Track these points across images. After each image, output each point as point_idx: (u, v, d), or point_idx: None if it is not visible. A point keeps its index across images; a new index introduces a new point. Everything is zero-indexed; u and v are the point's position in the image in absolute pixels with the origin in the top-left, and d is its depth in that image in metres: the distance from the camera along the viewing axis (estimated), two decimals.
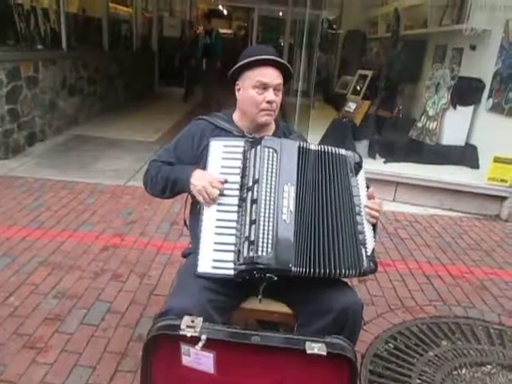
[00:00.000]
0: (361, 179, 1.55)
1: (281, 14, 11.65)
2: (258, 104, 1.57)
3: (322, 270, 1.37)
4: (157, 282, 2.55)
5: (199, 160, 1.59)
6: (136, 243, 2.99)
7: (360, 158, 1.57)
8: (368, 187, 1.59)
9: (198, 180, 1.46)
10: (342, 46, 8.18)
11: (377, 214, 1.52)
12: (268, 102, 1.56)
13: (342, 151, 1.54)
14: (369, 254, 1.45)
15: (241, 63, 1.57)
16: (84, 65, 6.36)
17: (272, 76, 1.55)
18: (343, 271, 1.39)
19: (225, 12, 17.38)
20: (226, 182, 1.45)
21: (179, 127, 1.75)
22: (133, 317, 2.23)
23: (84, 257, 2.75)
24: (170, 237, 3.12)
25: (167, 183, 1.58)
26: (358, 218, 1.47)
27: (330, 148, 1.52)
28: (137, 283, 2.52)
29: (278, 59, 1.55)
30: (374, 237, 1.52)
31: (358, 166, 1.55)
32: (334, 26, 8.47)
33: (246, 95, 1.59)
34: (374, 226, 1.55)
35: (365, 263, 1.42)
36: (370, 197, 1.55)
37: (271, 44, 11.12)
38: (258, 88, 1.56)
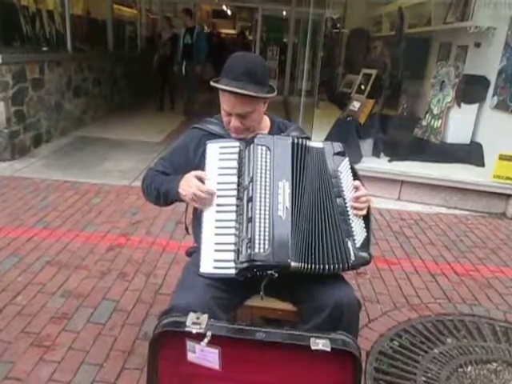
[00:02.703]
0: (344, 169, 1.52)
1: (284, 13, 11.65)
2: (225, 123, 1.59)
3: (315, 266, 1.37)
4: (162, 281, 2.56)
5: (197, 168, 1.58)
6: (141, 243, 3.01)
7: (341, 147, 1.55)
8: (357, 178, 1.56)
9: (186, 189, 1.47)
10: (346, 45, 8.17)
11: (362, 205, 1.50)
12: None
13: (320, 144, 1.53)
14: (358, 245, 1.43)
15: (211, 83, 1.53)
16: (89, 66, 6.40)
17: (233, 105, 1.50)
18: (327, 266, 1.38)
19: (229, 12, 17.42)
20: (218, 183, 1.46)
21: (184, 128, 1.77)
22: (139, 315, 2.24)
23: (90, 256, 2.77)
24: (175, 236, 3.14)
25: (159, 194, 1.60)
26: (340, 209, 1.45)
27: (310, 142, 1.52)
28: (143, 282, 2.54)
29: (236, 90, 1.44)
30: (367, 227, 1.50)
31: (341, 155, 1.53)
32: (338, 25, 8.46)
33: (221, 108, 1.58)
34: (367, 216, 1.53)
35: (352, 256, 1.41)
36: (357, 188, 1.52)
37: (275, 44, 11.16)
38: (223, 110, 1.55)
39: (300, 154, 1.47)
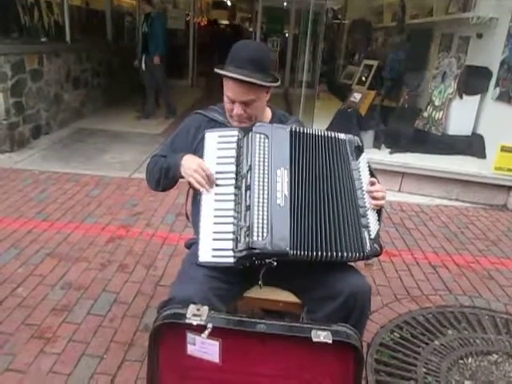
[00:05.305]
0: (362, 163, 1.55)
1: (285, 4, 11.55)
2: (228, 111, 1.59)
3: (324, 253, 1.37)
4: (162, 273, 2.56)
5: (195, 153, 1.59)
6: (142, 234, 3.00)
7: (361, 141, 1.57)
8: (372, 175, 1.58)
9: (189, 163, 1.49)
10: (347, 36, 8.11)
11: (380, 201, 1.52)
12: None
13: (341, 135, 1.54)
14: (372, 236, 1.45)
15: (216, 70, 1.53)
16: (88, 57, 6.36)
17: (237, 93, 1.50)
18: (345, 254, 1.39)
19: (228, 3, 17.28)
20: (217, 173, 1.46)
21: (184, 119, 1.76)
22: (139, 307, 2.24)
23: (90, 248, 2.77)
24: (175, 228, 3.13)
25: (161, 172, 1.60)
26: (359, 201, 1.47)
27: (328, 132, 1.53)
28: (143, 274, 2.54)
29: (241, 78, 1.45)
30: (379, 220, 1.52)
31: (359, 150, 1.55)
32: (339, 16, 8.39)
33: (224, 95, 1.58)
34: (379, 210, 1.55)
35: (368, 246, 1.42)
36: (372, 183, 1.54)
37: (275, 35, 11.07)
38: (227, 97, 1.55)
39: (300, 142, 1.46)
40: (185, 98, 8.08)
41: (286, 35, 11.16)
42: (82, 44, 6.47)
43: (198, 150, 1.58)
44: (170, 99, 6.73)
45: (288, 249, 1.33)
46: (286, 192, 1.38)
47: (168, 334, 1.24)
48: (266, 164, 1.40)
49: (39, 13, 5.65)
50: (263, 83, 1.49)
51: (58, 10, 6.00)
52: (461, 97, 4.48)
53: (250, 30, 14.30)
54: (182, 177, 1.54)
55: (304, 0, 7.45)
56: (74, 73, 5.93)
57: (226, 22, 16.86)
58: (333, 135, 1.53)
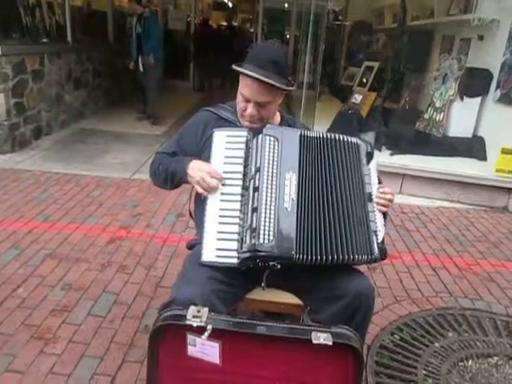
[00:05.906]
0: (372, 168, 1.55)
1: (286, 5, 11.56)
2: (240, 109, 1.58)
3: (330, 257, 1.37)
4: (163, 274, 2.56)
5: (202, 151, 1.59)
6: (142, 235, 3.00)
7: (372, 147, 1.58)
8: (379, 181, 1.59)
9: (196, 171, 1.47)
10: (348, 38, 8.11)
11: (388, 203, 1.53)
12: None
13: (353, 139, 1.54)
14: (379, 241, 1.45)
15: (234, 67, 1.52)
16: (89, 58, 6.36)
17: (254, 92, 1.49)
18: (356, 256, 1.39)
19: (230, 4, 17.27)
20: (223, 172, 1.45)
21: (185, 120, 1.76)
22: (139, 308, 2.24)
23: (91, 249, 2.76)
24: (175, 229, 3.13)
25: (167, 175, 1.60)
26: (369, 205, 1.48)
27: (340, 136, 1.52)
28: (143, 275, 2.53)
29: (262, 78, 1.44)
30: (385, 225, 1.53)
31: (370, 156, 1.56)
32: (340, 18, 8.39)
33: (238, 93, 1.57)
34: (384, 215, 1.56)
35: (376, 250, 1.43)
36: (380, 187, 1.55)
37: (276, 36, 11.06)
38: (242, 96, 1.54)
39: (310, 146, 1.46)
40: (186, 99, 8.08)
41: (287, 36, 11.16)
42: (83, 45, 6.46)
43: (205, 148, 1.57)
44: (154, 104, 6.41)
45: (293, 253, 1.33)
46: (294, 196, 1.38)
47: (168, 335, 1.24)
48: (275, 167, 1.40)
49: (40, 13, 5.65)
50: (283, 86, 1.49)
51: (60, 11, 5.99)
52: (462, 99, 4.48)
53: (251, 30, 14.30)
54: (188, 182, 1.53)
55: (305, 1, 7.45)
56: (75, 73, 5.93)
57: (225, 23, 16.84)
58: (345, 139, 1.52)
